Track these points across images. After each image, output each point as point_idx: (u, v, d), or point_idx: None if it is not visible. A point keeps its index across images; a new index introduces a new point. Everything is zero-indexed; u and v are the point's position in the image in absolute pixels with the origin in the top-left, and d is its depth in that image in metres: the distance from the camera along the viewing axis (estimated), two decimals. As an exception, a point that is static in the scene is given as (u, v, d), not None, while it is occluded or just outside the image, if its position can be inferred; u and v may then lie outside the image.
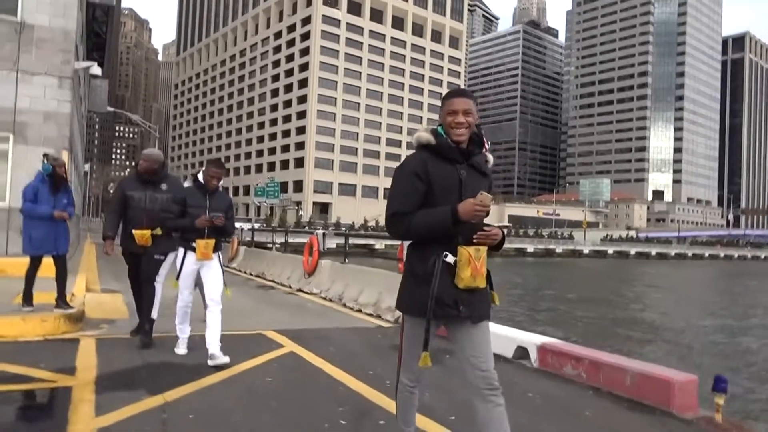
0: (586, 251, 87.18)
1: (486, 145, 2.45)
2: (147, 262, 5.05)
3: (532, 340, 4.99)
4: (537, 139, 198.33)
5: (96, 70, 10.81)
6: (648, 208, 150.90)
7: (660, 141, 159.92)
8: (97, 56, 17.30)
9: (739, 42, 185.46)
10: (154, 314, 5.04)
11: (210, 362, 4.33)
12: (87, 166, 47.74)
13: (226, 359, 4.36)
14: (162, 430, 2.98)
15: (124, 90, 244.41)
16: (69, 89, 9.41)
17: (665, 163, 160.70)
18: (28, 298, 5.56)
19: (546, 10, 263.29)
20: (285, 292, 9.75)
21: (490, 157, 2.49)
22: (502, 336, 5.28)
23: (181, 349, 4.77)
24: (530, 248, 79.67)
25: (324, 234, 10.38)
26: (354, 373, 4.36)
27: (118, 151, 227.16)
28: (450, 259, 2.26)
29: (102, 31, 15.14)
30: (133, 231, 4.96)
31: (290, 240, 18.04)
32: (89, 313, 5.88)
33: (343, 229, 72.93)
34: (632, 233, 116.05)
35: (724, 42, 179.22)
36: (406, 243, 7.23)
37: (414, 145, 2.41)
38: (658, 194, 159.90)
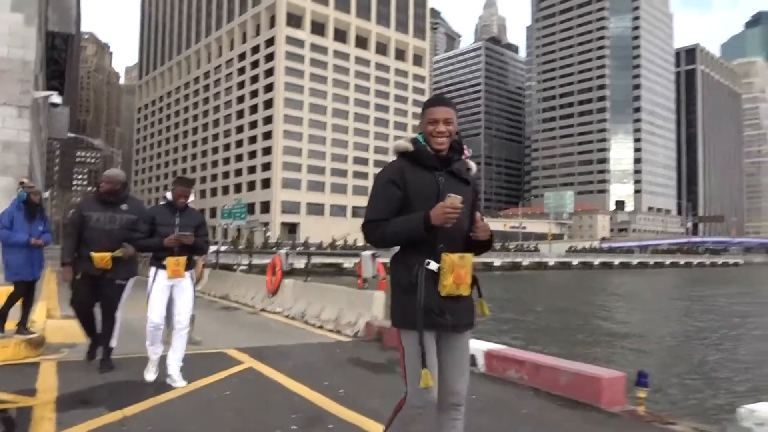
0: (551, 263, 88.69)
1: (466, 152, 2.42)
2: (108, 288, 4.88)
3: (479, 347, 5.30)
4: (502, 154, 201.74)
5: (56, 99, 10.86)
6: (611, 218, 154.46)
7: (620, 152, 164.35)
8: (57, 84, 17.26)
9: (690, 54, 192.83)
10: (114, 342, 4.95)
11: (168, 381, 4.41)
12: (47, 193, 46.69)
13: (183, 383, 4.39)
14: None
15: (86, 114, 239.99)
16: (28, 119, 9.47)
17: (626, 174, 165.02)
18: (0, 323, 5.59)
19: (506, 26, 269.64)
20: (249, 312, 9.89)
21: (472, 165, 2.47)
22: (452, 344, 5.57)
23: (151, 374, 4.62)
24: (497, 262, 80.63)
25: (287, 254, 10.56)
26: (309, 384, 4.59)
27: (80, 176, 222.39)
28: (433, 266, 2.23)
29: (61, 58, 15.15)
30: (92, 253, 4.75)
31: (257, 261, 18.12)
32: (50, 338, 5.96)
33: (309, 248, 72.78)
34: (595, 244, 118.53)
35: (677, 54, 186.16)
36: (365, 258, 7.50)
37: (393, 153, 2.40)
38: (620, 204, 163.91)
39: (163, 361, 4.64)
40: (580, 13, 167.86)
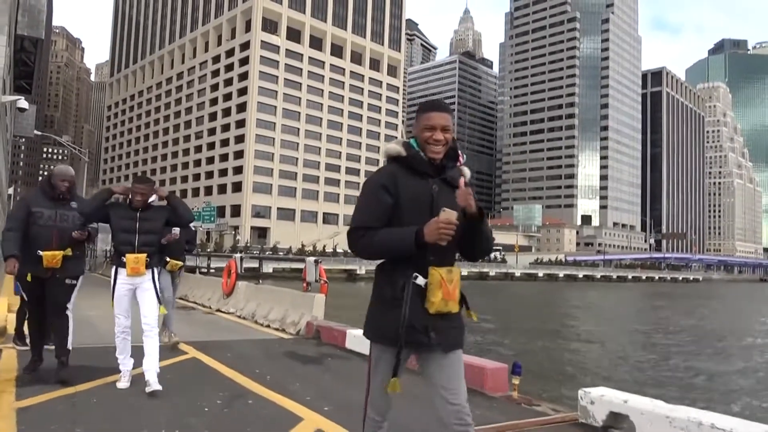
0: (518, 274, 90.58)
1: (461, 158, 2.28)
2: (56, 287, 4.57)
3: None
4: (473, 166, 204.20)
5: (23, 104, 11.28)
6: (577, 232, 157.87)
7: (587, 168, 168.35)
8: (25, 84, 17.52)
9: (657, 76, 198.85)
10: (70, 345, 4.65)
11: (147, 389, 4.24)
12: (11, 190, 46.12)
13: (159, 387, 4.26)
14: (71, 408, 3.81)
15: (54, 110, 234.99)
16: (-5, 122, 9.94)
17: (592, 190, 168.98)
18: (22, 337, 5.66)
19: (481, 41, 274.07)
20: (204, 312, 10.47)
21: (467, 171, 2.32)
22: (376, 341, 6.32)
23: (124, 383, 4.47)
24: (464, 271, 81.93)
25: (241, 258, 11.17)
26: (242, 371, 5.26)
27: (46, 173, 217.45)
28: (420, 281, 2.11)
29: (30, 60, 15.50)
30: (41, 252, 4.43)
31: (221, 265, 18.56)
32: (10, 330, 6.49)
33: (278, 252, 72.93)
34: (561, 256, 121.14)
35: (644, 76, 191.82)
36: (309, 263, 8.20)
37: (384, 158, 2.29)
38: (587, 219, 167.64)
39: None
40: (552, 33, 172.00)
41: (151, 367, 4.36)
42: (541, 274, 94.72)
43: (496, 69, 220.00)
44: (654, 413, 3.58)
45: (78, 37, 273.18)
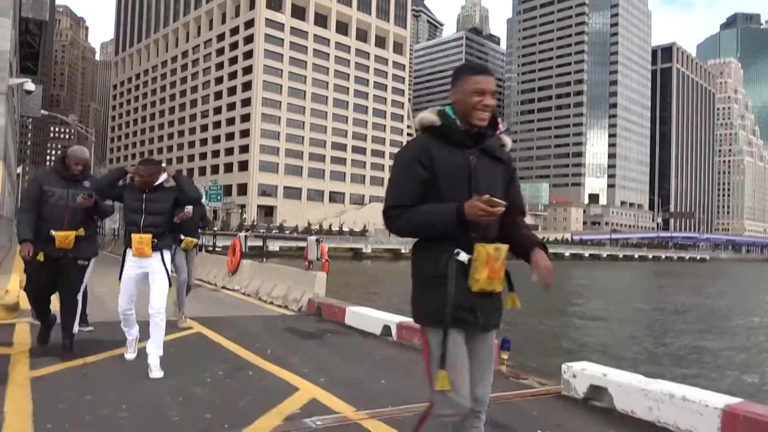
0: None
1: (500, 126, 2.12)
2: (69, 268, 4.59)
3: (393, 320, 6.26)
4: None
5: (30, 86, 11.45)
6: (584, 211, 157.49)
7: (595, 147, 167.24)
8: (30, 65, 17.66)
9: (667, 52, 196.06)
10: (76, 328, 4.71)
11: (149, 373, 4.18)
12: (19, 169, 46.55)
13: (160, 374, 4.18)
14: (82, 378, 4.05)
15: (59, 89, 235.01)
16: (3, 104, 10.12)
17: (600, 168, 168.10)
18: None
19: (488, 17, 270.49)
20: (210, 290, 10.73)
21: (507, 140, 2.19)
22: (373, 317, 6.56)
23: (131, 353, 4.63)
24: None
25: (246, 236, 11.40)
26: (244, 345, 5.50)
27: (53, 152, 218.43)
28: (463, 257, 1.98)
29: (35, 42, 15.63)
30: (54, 232, 4.45)
31: (227, 243, 18.84)
32: (23, 305, 6.74)
33: (284, 231, 73.40)
34: (567, 235, 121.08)
35: (654, 52, 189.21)
36: (311, 242, 8.39)
37: (416, 128, 2.14)
38: (594, 198, 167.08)
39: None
40: (560, 8, 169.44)
41: (154, 351, 4.26)
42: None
43: (503, 45, 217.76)
44: (631, 386, 3.77)
45: (81, 16, 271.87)
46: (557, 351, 12.57)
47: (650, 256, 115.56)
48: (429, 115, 2.09)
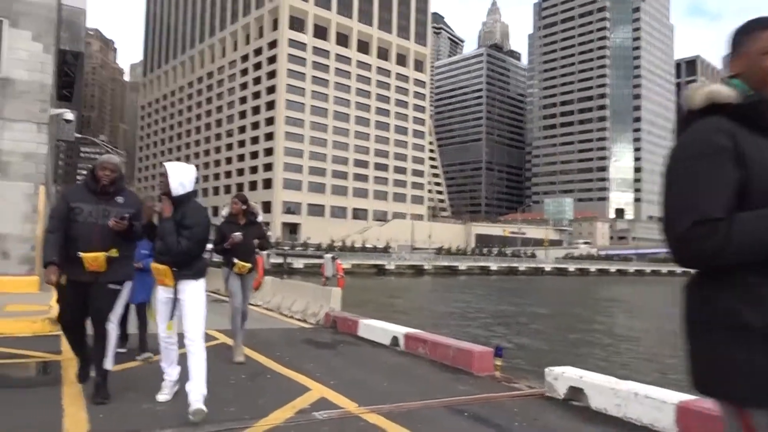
0: (548, 269, 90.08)
1: None
2: (99, 294, 4.06)
3: (401, 331, 6.80)
4: (503, 159, 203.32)
5: (69, 116, 12.39)
6: (610, 226, 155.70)
7: (620, 161, 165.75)
8: (66, 92, 18.75)
9: (691, 65, 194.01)
10: (108, 365, 4.10)
11: (189, 411, 3.68)
12: (53, 189, 48.38)
13: (202, 407, 3.70)
14: (126, 378, 4.67)
15: (90, 110, 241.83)
16: (45, 133, 11.02)
17: (626, 182, 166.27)
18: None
19: (509, 33, 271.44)
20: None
21: None
22: (383, 329, 7.11)
23: (164, 395, 4.13)
24: (494, 266, 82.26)
25: (268, 254, 12.04)
26: (264, 354, 6.08)
27: (84, 171, 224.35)
28: None
29: (71, 72, 16.68)
30: (82, 253, 3.96)
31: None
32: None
33: (308, 248, 74.29)
34: (593, 251, 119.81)
35: (678, 66, 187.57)
36: (327, 259, 9.01)
37: (697, 106, 1.50)
38: (620, 212, 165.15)
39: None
40: (581, 23, 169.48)
41: (195, 389, 3.79)
42: (572, 269, 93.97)
43: (524, 61, 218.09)
44: (603, 387, 4.26)
45: (111, 39, 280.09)
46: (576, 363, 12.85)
47: (679, 271, 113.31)
48: (723, 89, 1.46)
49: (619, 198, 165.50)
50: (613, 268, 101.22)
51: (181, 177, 3.90)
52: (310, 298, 9.45)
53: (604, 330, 21.06)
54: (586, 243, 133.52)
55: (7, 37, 10.92)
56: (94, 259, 3.97)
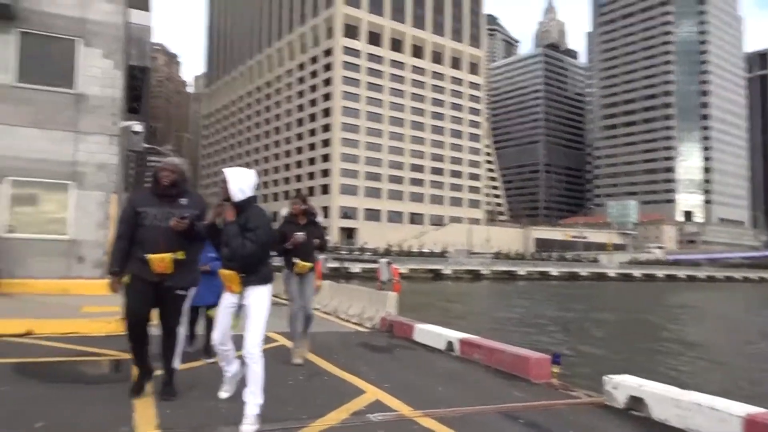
0: (612, 274, 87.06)
1: None
2: (167, 299, 4.17)
3: (456, 336, 6.79)
4: (562, 161, 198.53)
5: (137, 128, 13.09)
6: (679, 229, 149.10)
7: (688, 161, 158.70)
8: (135, 105, 19.75)
9: (763, 58, 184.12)
10: (176, 364, 4.33)
11: (241, 426, 3.65)
12: (124, 197, 50.88)
13: (254, 428, 3.64)
14: (192, 376, 4.89)
15: (156, 121, 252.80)
16: (117, 144, 11.67)
17: (694, 184, 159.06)
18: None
19: (566, 32, 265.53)
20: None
21: None
22: (438, 334, 7.12)
23: (225, 391, 4.25)
24: (554, 271, 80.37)
25: (326, 259, 12.27)
26: (322, 356, 6.22)
27: (150, 180, 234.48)
28: None
29: (139, 86, 17.56)
30: (149, 255, 4.04)
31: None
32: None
33: (364, 253, 74.87)
34: (652, 256, 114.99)
35: (748, 59, 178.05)
36: (382, 264, 9.14)
37: None
38: (688, 215, 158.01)
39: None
40: (642, 18, 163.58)
41: (249, 398, 3.75)
42: (637, 274, 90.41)
43: (582, 60, 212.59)
44: (664, 396, 4.13)
45: (175, 53, 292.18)
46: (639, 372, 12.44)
47: (756, 277, 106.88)
48: None
49: (687, 200, 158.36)
50: (682, 274, 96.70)
51: (241, 182, 3.90)
52: (366, 303, 9.56)
53: (671, 337, 20.23)
54: (659, 247, 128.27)
55: (82, 55, 11.64)
56: (161, 260, 4.05)
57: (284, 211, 6.30)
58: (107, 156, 11.58)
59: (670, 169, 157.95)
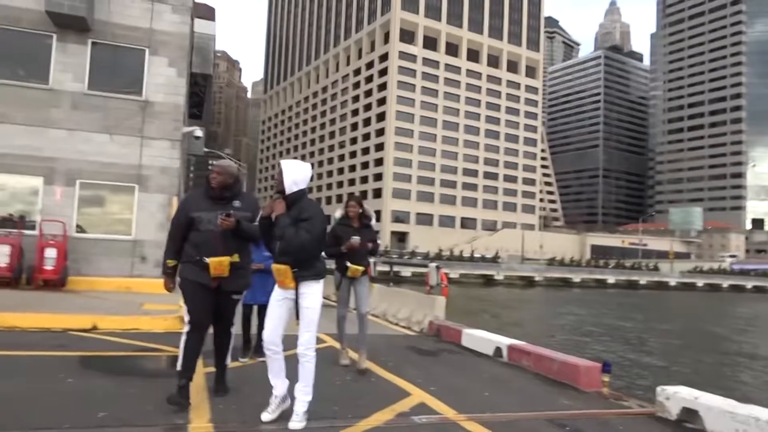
0: (673, 283, 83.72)
1: None
2: (224, 303, 4.26)
3: (504, 342, 6.73)
4: (622, 166, 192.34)
5: (199, 133, 13.66)
6: (746, 238, 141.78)
7: (759, 166, 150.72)
8: (196, 111, 20.50)
9: None
10: (229, 360, 4.57)
11: (289, 423, 3.71)
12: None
13: (301, 425, 3.70)
14: (242, 374, 5.07)
15: (217, 126, 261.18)
16: (178, 149, 12.20)
17: (765, 190, 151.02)
18: (245, 348, 6.01)
19: (630, 33, 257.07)
20: (342, 310, 11.82)
21: None
22: (486, 339, 7.07)
23: (269, 413, 3.85)
24: (611, 279, 77.94)
25: (375, 263, 12.38)
26: (369, 358, 6.25)
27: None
28: None
29: (201, 92, 18.25)
30: (208, 259, 4.02)
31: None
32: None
33: (416, 257, 74.78)
34: (725, 265, 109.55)
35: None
36: (431, 268, 9.18)
37: None
38: (758, 223, 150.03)
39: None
40: (711, 18, 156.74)
41: (300, 397, 3.76)
42: (700, 284, 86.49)
43: (646, 62, 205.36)
44: (719, 409, 3.98)
45: (236, 59, 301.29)
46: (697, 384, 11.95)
47: None
48: None
49: (757, 207, 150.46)
50: (749, 284, 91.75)
51: (295, 175, 3.80)
52: (415, 306, 9.60)
53: (737, 350, 19.27)
54: (732, 256, 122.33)
55: (148, 64, 12.25)
56: (218, 264, 4.03)
57: (338, 213, 6.26)
58: (169, 160, 12.13)
59: (739, 175, 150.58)
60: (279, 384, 3.90)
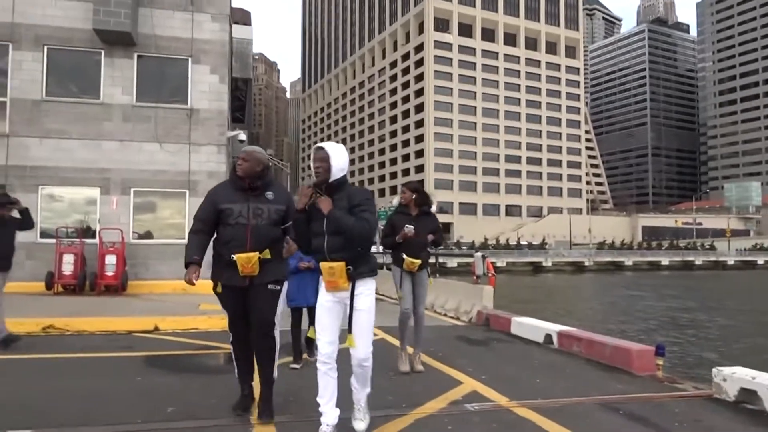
0: (731, 262, 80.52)
1: None
2: (259, 297, 3.74)
3: (555, 329, 6.72)
4: (672, 143, 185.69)
5: (242, 136, 14.06)
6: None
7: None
8: (239, 115, 20.99)
9: None
10: (275, 372, 3.90)
11: (354, 424, 3.47)
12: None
13: (363, 425, 3.49)
14: (297, 372, 5.26)
15: (258, 128, 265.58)
16: (224, 153, 12.59)
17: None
18: (297, 354, 5.68)
19: (674, 4, 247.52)
20: (390, 303, 11.95)
21: None
22: (536, 327, 7.08)
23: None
24: (665, 261, 75.63)
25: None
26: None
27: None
28: None
29: (242, 96, 18.68)
30: (236, 255, 3.66)
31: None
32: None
33: (461, 247, 74.37)
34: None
35: None
36: (477, 258, 9.19)
37: None
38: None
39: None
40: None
41: (359, 396, 3.51)
42: (761, 261, 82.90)
43: (693, 33, 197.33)
44: (779, 388, 3.90)
45: (274, 60, 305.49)
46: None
47: None
48: None
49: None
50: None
51: (341, 159, 3.35)
52: (462, 297, 9.65)
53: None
54: None
55: (192, 73, 12.67)
56: (247, 260, 3.65)
57: (396, 200, 6.24)
58: (216, 164, 12.54)
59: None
60: (330, 412, 3.32)
